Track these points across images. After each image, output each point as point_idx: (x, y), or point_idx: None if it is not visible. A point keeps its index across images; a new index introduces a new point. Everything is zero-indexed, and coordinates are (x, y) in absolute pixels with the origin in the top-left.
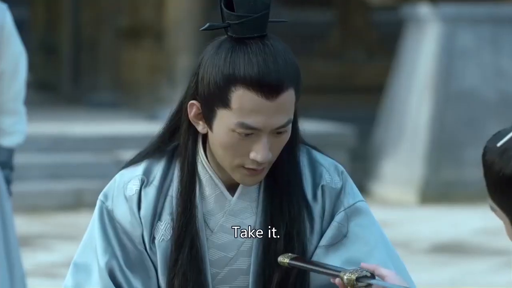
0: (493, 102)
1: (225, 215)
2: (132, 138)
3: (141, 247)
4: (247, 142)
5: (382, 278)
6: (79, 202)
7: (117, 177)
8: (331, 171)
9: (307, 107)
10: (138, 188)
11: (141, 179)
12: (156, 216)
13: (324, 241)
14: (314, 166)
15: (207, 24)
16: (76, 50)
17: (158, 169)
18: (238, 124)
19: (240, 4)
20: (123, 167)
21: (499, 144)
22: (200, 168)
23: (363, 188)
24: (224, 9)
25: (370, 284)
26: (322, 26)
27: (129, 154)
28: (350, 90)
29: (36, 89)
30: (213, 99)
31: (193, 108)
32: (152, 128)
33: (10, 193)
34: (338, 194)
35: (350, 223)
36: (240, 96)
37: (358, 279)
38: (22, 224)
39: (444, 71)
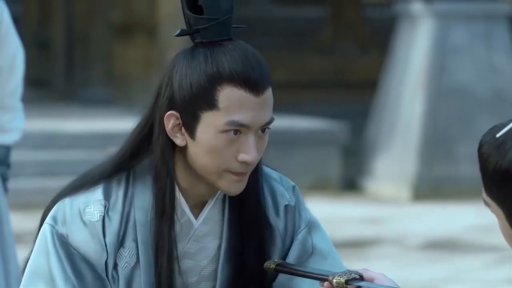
0: (486, 98)
1: (189, 241)
2: (125, 134)
3: (103, 275)
4: (234, 144)
5: (371, 280)
6: None
7: (67, 201)
8: (286, 187)
9: (300, 103)
10: (102, 214)
11: (104, 204)
12: (119, 242)
13: (290, 261)
14: (269, 181)
15: (179, 30)
16: (69, 46)
17: (118, 193)
18: (228, 123)
19: (209, 7)
20: (69, 192)
21: (498, 135)
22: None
23: (355, 184)
24: (191, 14)
25: (359, 287)
26: (315, 21)
27: None
28: (343, 85)
29: (29, 85)
30: (197, 102)
31: (171, 119)
32: None
33: (6, 190)
34: (297, 210)
35: (313, 238)
36: (227, 93)
37: (347, 281)
38: (15, 221)
39: (437, 67)
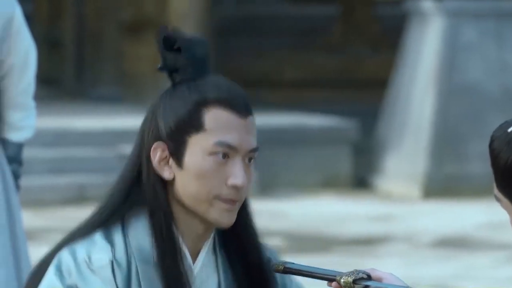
0: (497, 96)
1: None
2: (135, 132)
3: None
4: (223, 168)
5: (379, 280)
6: (82, 196)
7: (66, 252)
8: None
9: (309, 102)
10: (111, 258)
11: (110, 249)
12: (128, 286)
13: None
14: None
15: (159, 66)
16: (79, 44)
17: (119, 238)
18: (216, 144)
19: (186, 48)
20: (64, 244)
21: (509, 130)
22: None
23: (366, 182)
24: (169, 54)
25: (367, 286)
26: (325, 20)
27: (131, 149)
28: (353, 84)
29: (39, 84)
30: (183, 128)
31: (157, 151)
32: None
33: (18, 187)
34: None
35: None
36: (214, 114)
37: (355, 281)
38: (26, 218)
39: (448, 65)
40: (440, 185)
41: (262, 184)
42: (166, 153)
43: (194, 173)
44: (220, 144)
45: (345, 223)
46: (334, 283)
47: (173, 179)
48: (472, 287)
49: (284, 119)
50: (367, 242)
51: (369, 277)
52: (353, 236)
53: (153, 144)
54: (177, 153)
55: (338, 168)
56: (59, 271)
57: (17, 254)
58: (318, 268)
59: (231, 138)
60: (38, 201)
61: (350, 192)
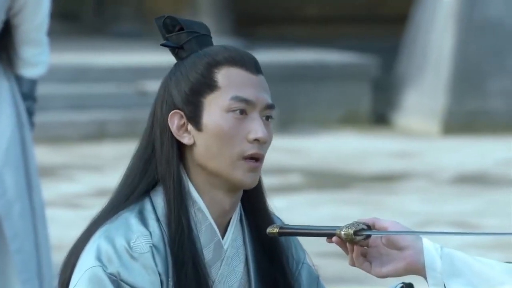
0: None
1: (222, 264)
2: (156, 68)
3: None
4: (242, 124)
5: (384, 229)
6: (102, 133)
7: (102, 240)
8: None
9: (331, 38)
10: (150, 244)
11: (149, 235)
12: (168, 270)
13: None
14: None
15: (164, 42)
16: None
17: (151, 220)
18: (231, 99)
19: (188, 26)
20: (97, 225)
21: None
22: (200, 216)
23: (385, 119)
24: (172, 35)
25: (369, 236)
26: None
27: (152, 85)
28: (374, 20)
29: (59, 19)
30: (198, 90)
31: (175, 119)
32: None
33: (32, 124)
34: (291, 238)
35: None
36: (226, 72)
37: (355, 232)
38: (45, 155)
39: (468, 0)
40: (460, 121)
41: (281, 120)
42: (184, 119)
43: (214, 132)
44: (236, 98)
45: (364, 159)
46: (334, 238)
47: (193, 145)
48: (492, 223)
49: (304, 55)
50: (386, 179)
51: (368, 228)
52: (373, 173)
53: (168, 114)
54: (194, 116)
55: (358, 105)
56: (99, 261)
57: (30, 189)
58: (313, 226)
59: (246, 92)
60: (58, 138)
61: (370, 129)
